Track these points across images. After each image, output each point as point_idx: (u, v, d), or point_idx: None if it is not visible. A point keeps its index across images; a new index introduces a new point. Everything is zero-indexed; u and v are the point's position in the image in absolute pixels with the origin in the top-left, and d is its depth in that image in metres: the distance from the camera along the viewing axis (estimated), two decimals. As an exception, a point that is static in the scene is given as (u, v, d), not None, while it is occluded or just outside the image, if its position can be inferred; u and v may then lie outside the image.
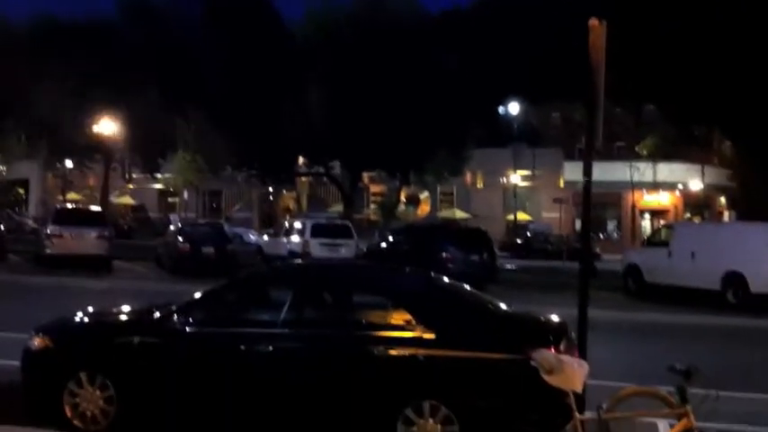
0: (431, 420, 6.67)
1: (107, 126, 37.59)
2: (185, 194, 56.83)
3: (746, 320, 18.79)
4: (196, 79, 35.13)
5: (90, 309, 8.87)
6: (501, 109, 49.32)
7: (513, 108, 50.66)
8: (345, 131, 32.72)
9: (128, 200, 64.32)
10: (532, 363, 5.05)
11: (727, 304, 21.38)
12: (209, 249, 26.47)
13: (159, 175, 53.33)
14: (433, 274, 8.64)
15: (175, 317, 7.48)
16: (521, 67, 32.11)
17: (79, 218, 27.01)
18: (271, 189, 59.02)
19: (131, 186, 64.11)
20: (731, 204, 53.35)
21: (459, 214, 58.00)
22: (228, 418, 7.30)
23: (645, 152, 48.22)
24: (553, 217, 54.05)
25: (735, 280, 21.59)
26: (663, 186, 53.93)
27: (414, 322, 6.95)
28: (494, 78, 33.48)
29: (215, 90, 34.54)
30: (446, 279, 8.70)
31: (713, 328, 17.52)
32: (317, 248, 25.74)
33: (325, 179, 46.59)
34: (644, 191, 53.61)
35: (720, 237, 23.43)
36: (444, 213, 59.27)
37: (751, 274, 21.22)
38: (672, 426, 5.23)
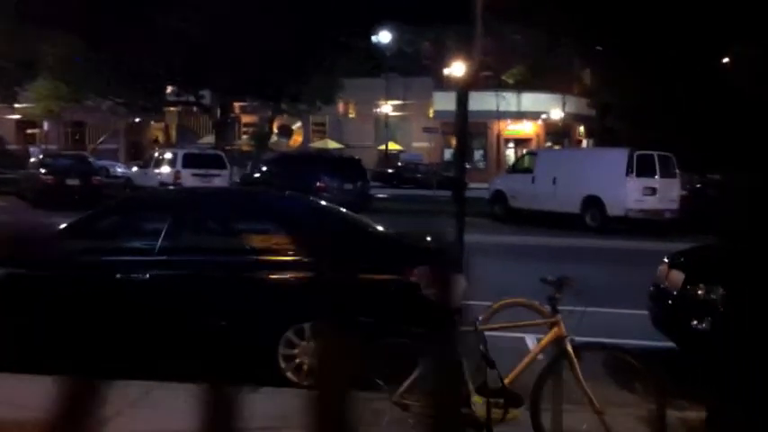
0: (312, 342, 6.81)
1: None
2: (46, 125, 53.91)
3: (604, 241, 19.95)
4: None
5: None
6: (373, 38, 49.14)
7: (385, 37, 50.59)
8: (214, 57, 31.74)
9: (-18, 131, 60.52)
10: (413, 279, 5.23)
11: (586, 227, 22.60)
12: (73, 181, 25.66)
13: (17, 105, 50.21)
14: (312, 197, 8.70)
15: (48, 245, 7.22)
16: None
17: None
18: (137, 120, 56.86)
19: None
20: (589, 133, 55.72)
21: (332, 144, 57.96)
22: (102, 348, 7.18)
23: (511, 81, 49.37)
24: (423, 146, 54.85)
25: (593, 204, 22.79)
26: (527, 116, 55.50)
27: (294, 245, 7.02)
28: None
29: (78, 10, 32.66)
30: (325, 203, 8.78)
31: (574, 248, 18.50)
32: (189, 179, 25.18)
33: (195, 109, 45.25)
34: (509, 120, 55.06)
35: (580, 163, 24.56)
36: (317, 144, 59.10)
37: (608, 198, 22.44)
38: (539, 340, 5.56)
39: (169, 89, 39.80)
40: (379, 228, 7.99)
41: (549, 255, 16.77)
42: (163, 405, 6.16)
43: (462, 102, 6.51)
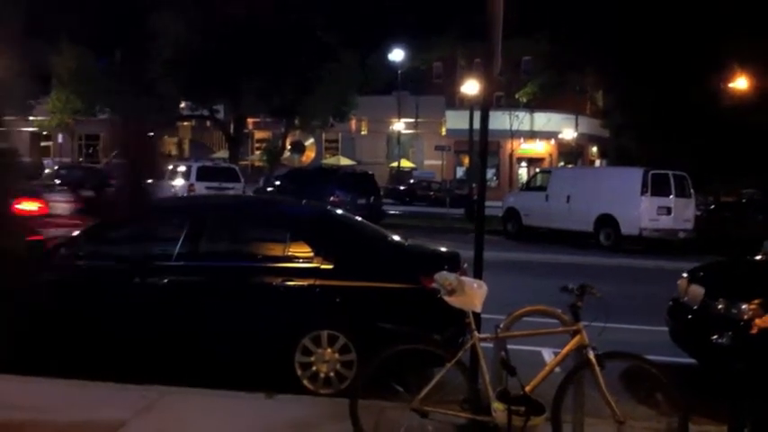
0: (329, 349, 6.78)
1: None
2: (60, 138, 54.16)
3: (618, 260, 19.83)
4: (70, 11, 33.22)
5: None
6: (388, 56, 49.30)
7: (398, 55, 50.73)
8: (230, 73, 31.83)
9: (-4, 143, 60.79)
10: (433, 285, 5.18)
11: (599, 245, 22.49)
12: (88, 192, 25.77)
13: (32, 118, 50.44)
14: (329, 206, 8.68)
15: (63, 250, 7.25)
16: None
17: (-56, 160, 25.57)
18: (151, 134, 56.99)
19: (1, 129, 60.48)
20: (602, 153, 55.65)
21: (344, 161, 58.03)
22: (121, 352, 7.17)
23: (524, 99, 49.40)
24: (435, 164, 54.86)
25: (607, 222, 22.69)
26: (539, 135, 55.53)
27: (312, 253, 6.99)
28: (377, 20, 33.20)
29: (91, 23, 32.86)
30: (342, 211, 8.76)
31: (588, 266, 18.38)
32: (203, 192, 25.30)
33: (208, 123, 45.38)
34: (521, 139, 55.06)
35: (594, 181, 24.44)
36: (329, 160, 59.19)
37: (621, 217, 22.34)
38: (555, 353, 5.49)
39: (183, 103, 39.91)
40: (395, 237, 7.97)
41: (564, 272, 16.68)
42: (177, 410, 6.11)
43: (483, 120, 6.47)
